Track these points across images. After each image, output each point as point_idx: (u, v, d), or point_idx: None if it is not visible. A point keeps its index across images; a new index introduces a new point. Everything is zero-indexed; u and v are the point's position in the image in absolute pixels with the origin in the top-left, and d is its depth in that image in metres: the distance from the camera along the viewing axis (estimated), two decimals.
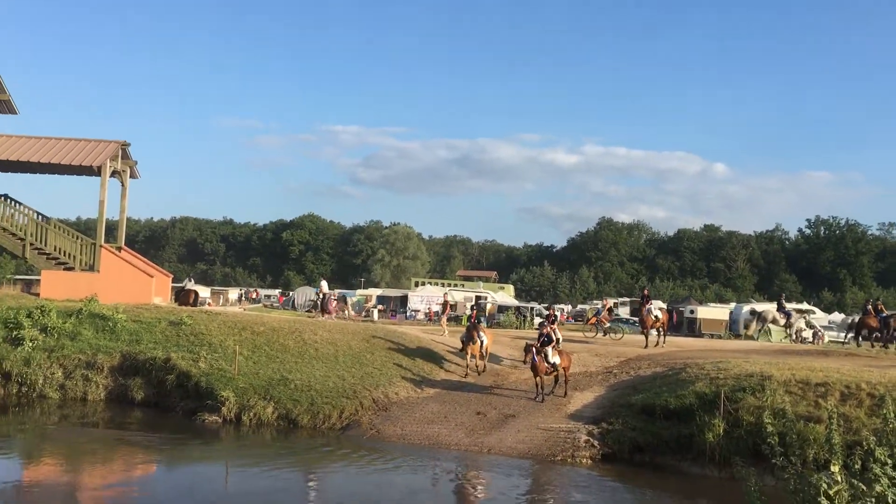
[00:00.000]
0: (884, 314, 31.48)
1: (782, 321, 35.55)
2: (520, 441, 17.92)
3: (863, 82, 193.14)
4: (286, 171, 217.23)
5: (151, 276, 30.52)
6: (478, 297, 56.12)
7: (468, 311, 27.15)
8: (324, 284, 38.63)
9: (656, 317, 28.96)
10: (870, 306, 32.50)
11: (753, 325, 37.11)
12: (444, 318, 34.35)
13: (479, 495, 14.58)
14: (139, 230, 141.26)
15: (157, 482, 14.99)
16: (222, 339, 23.29)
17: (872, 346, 30.69)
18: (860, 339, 31.85)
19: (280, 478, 15.39)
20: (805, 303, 71.94)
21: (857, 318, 34.73)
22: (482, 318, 24.29)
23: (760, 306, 44.91)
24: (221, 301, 67.57)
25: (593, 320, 34.73)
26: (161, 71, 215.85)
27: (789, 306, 39.33)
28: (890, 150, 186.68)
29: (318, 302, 36.82)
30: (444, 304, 36.74)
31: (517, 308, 51.74)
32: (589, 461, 16.98)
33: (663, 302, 72.59)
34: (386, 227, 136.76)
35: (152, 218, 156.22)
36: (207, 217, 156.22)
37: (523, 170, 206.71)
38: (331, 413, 19.62)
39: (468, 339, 23.65)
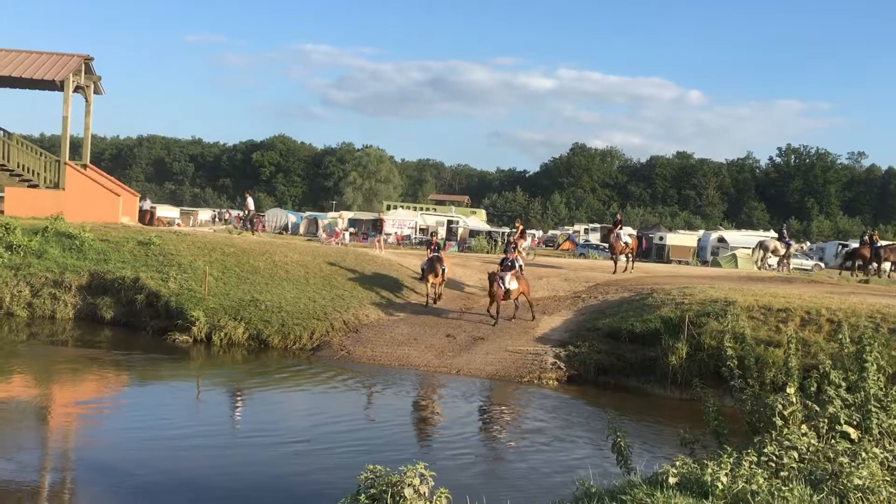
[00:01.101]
0: (877, 244, 32.21)
1: (783, 250, 36.21)
2: (488, 363, 18.25)
3: (834, 13, 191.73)
4: (256, 90, 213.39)
5: (118, 195, 30.08)
6: (449, 222, 56.26)
7: (436, 237, 26.67)
8: (249, 201, 38.24)
9: (626, 243, 29.07)
10: (866, 237, 33.33)
11: (756, 254, 37.78)
12: (381, 238, 35.59)
13: (446, 413, 14.90)
14: (105, 148, 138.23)
15: (129, 398, 15.10)
16: (192, 259, 23.18)
17: (865, 275, 31.49)
18: (855, 267, 32.59)
19: (251, 395, 15.59)
20: (771, 230, 73.10)
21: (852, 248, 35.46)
22: (443, 245, 23.84)
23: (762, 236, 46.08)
24: (192, 222, 67.05)
25: (565, 245, 35.13)
26: None
27: (774, 235, 39.96)
28: (860, 81, 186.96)
29: (244, 220, 36.68)
30: (381, 222, 38.30)
31: (488, 233, 52.02)
32: (555, 382, 17.38)
33: (633, 228, 73.38)
34: (358, 150, 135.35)
35: (118, 136, 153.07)
36: (175, 136, 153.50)
37: (497, 94, 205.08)
38: (301, 334, 19.76)
39: (430, 268, 23.08)
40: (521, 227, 31.68)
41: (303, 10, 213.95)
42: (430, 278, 23.00)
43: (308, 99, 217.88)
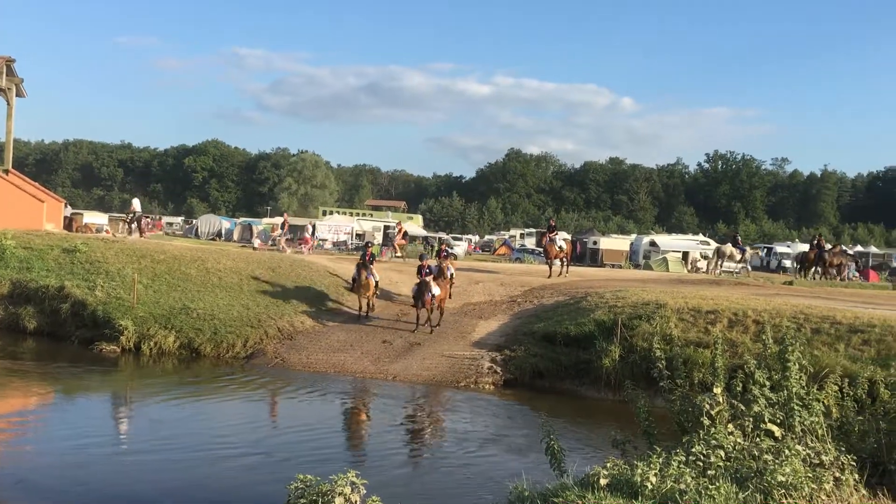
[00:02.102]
0: (824, 249, 33.36)
1: (738, 256, 37.20)
2: (425, 368, 18.22)
3: (760, 24, 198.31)
4: (189, 94, 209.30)
5: (42, 202, 29.10)
6: (386, 227, 56.04)
7: (373, 243, 25.94)
8: (135, 202, 37.42)
9: (560, 247, 29.34)
10: (814, 241, 34.67)
11: (713, 261, 38.79)
12: (283, 239, 35.54)
13: (381, 420, 14.81)
14: (29, 153, 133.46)
15: (55, 412, 14.55)
16: (120, 267, 22.56)
17: (814, 278, 32.69)
18: (805, 271, 33.70)
19: (183, 405, 15.21)
20: (700, 234, 74.99)
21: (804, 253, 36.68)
22: (380, 252, 22.87)
23: (715, 244, 48.03)
24: (121, 228, 65.24)
25: (501, 250, 35.35)
26: None
27: (701, 240, 41.16)
28: (784, 89, 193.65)
29: (129, 222, 35.88)
30: (284, 222, 39.39)
31: (425, 238, 52.00)
32: (491, 387, 17.45)
33: (568, 233, 74.39)
34: (293, 155, 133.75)
35: (43, 140, 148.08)
36: (104, 140, 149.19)
37: (434, 99, 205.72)
38: (235, 342, 19.40)
39: (360, 280, 22.04)
40: (402, 229, 32.02)
41: (237, 14, 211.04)
42: (362, 290, 22.14)
43: (242, 103, 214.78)
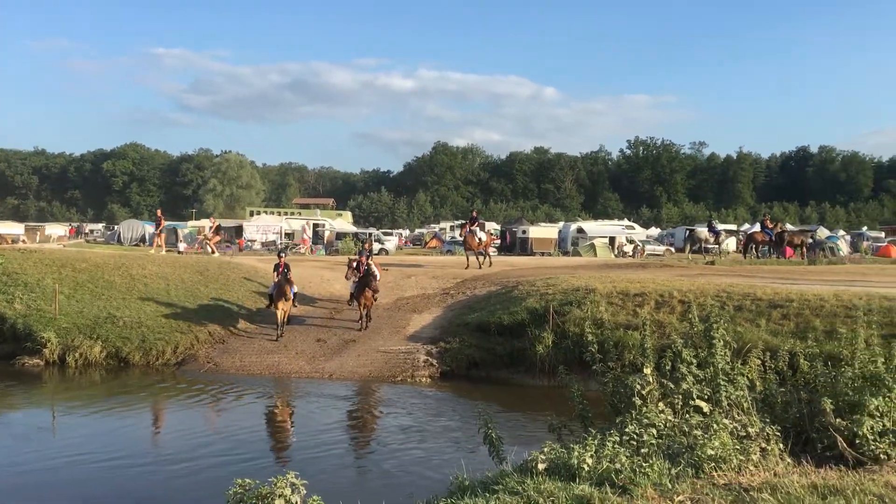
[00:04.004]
0: (769, 228, 34.45)
1: (712, 239, 38.01)
2: (360, 365, 18.16)
3: (673, 11, 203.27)
4: (104, 96, 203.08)
5: None
6: (315, 225, 55.53)
7: (286, 252, 23.67)
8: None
9: (480, 239, 29.24)
10: (759, 222, 35.87)
11: (688, 246, 39.64)
12: (213, 240, 35.27)
13: (319, 418, 14.69)
14: None
15: None
16: (39, 277, 21.76)
17: (759, 258, 33.63)
18: (750, 251, 34.66)
19: (112, 417, 14.79)
20: (626, 219, 76.68)
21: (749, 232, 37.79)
22: (289, 269, 20.24)
23: (696, 227, 49.69)
24: (38, 238, 62.93)
25: (432, 243, 35.40)
26: None
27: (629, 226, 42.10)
28: (701, 75, 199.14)
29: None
30: (217, 227, 38.73)
31: (355, 234, 51.70)
32: (428, 379, 17.52)
33: (497, 223, 75.00)
34: (217, 156, 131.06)
35: None
36: (15, 147, 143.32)
37: (359, 95, 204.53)
38: (164, 349, 18.97)
39: (279, 294, 20.26)
40: (216, 223, 32.09)
41: (152, 13, 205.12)
42: (280, 304, 20.27)
43: (162, 104, 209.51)
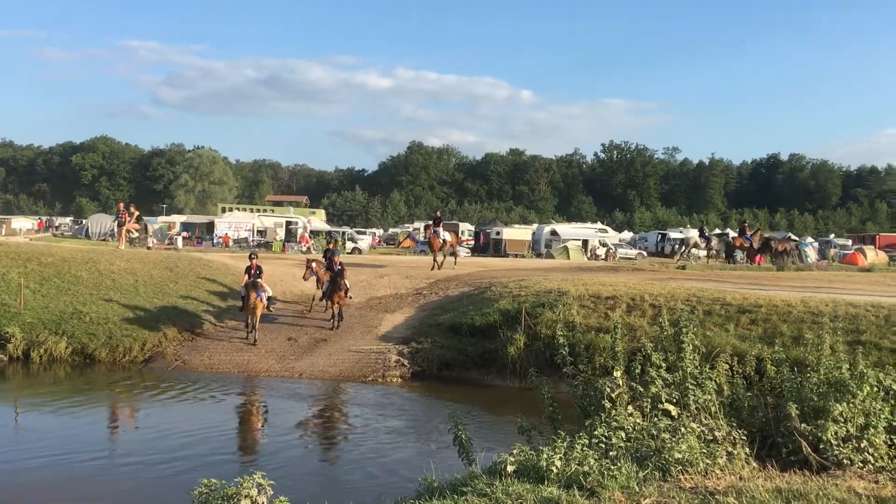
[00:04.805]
0: (747, 234, 34.94)
1: (703, 245, 38.29)
2: (331, 364, 18.06)
3: (653, 19, 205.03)
4: (75, 88, 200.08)
5: None
6: (288, 223, 55.19)
7: (256, 254, 21.93)
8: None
9: (444, 240, 29.09)
10: (739, 228, 36.42)
11: (679, 250, 39.91)
12: (124, 230, 34.50)
13: (287, 418, 14.58)
14: None
15: None
16: (4, 271, 21.39)
17: (733, 263, 34.14)
18: (733, 257, 35.11)
19: (77, 414, 14.57)
20: (599, 222, 77.14)
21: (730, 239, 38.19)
22: (261, 274, 19.22)
23: (685, 233, 50.42)
24: (4, 231, 61.91)
25: (406, 243, 35.34)
26: None
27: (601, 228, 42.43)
28: (676, 81, 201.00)
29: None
30: (138, 217, 38.45)
31: (328, 233, 51.49)
32: (399, 379, 17.46)
33: (471, 224, 75.13)
34: (189, 151, 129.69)
35: None
36: None
37: (336, 92, 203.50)
38: (132, 346, 18.72)
39: (248, 298, 19.39)
40: (136, 213, 32.17)
41: (128, 4, 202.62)
42: (251, 310, 19.44)
43: (136, 97, 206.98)
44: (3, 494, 9.88)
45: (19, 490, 10.13)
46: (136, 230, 34.05)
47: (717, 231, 52.38)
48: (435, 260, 29.14)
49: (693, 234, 44.27)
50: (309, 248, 46.23)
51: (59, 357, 18.24)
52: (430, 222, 30.30)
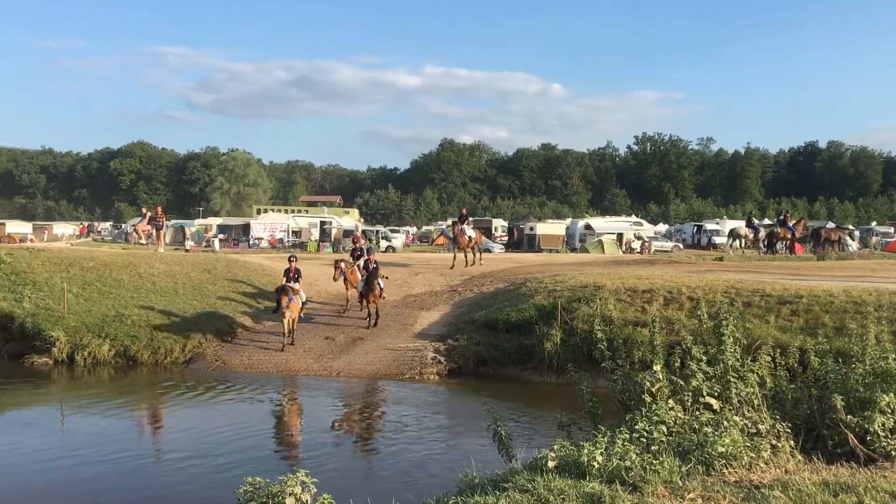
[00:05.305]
0: (790, 224, 34.53)
1: (751, 236, 38.00)
2: (368, 363, 18.16)
3: (682, 8, 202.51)
4: (110, 95, 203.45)
5: None
6: (322, 223, 55.57)
7: (295, 257, 22.03)
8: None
9: (470, 237, 28.92)
10: (782, 217, 35.98)
11: (728, 242, 39.70)
12: (162, 234, 34.14)
13: (327, 417, 14.70)
14: None
15: None
16: (48, 276, 21.84)
17: (773, 253, 33.80)
18: (774, 247, 34.71)
19: (121, 416, 14.85)
20: (633, 215, 76.48)
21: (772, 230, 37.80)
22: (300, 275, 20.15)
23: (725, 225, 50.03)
24: (46, 237, 63.22)
25: (439, 241, 35.28)
26: None
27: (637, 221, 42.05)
28: (707, 71, 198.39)
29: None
30: (149, 218, 37.44)
31: (363, 231, 51.74)
32: (436, 377, 17.50)
33: (504, 220, 74.92)
34: (224, 154, 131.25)
35: None
36: (23, 147, 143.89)
37: (365, 92, 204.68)
38: (173, 347, 19.01)
39: (281, 301, 18.90)
40: (148, 214, 32.44)
41: (153, 12, 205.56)
42: (286, 313, 19.12)
43: (168, 103, 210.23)
44: (57, 492, 10.11)
45: (65, 489, 10.36)
46: (147, 232, 34.24)
47: (767, 221, 51.65)
48: (455, 258, 28.95)
49: (740, 225, 43.68)
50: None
51: (103, 359, 18.58)
52: (456, 219, 30.21)
